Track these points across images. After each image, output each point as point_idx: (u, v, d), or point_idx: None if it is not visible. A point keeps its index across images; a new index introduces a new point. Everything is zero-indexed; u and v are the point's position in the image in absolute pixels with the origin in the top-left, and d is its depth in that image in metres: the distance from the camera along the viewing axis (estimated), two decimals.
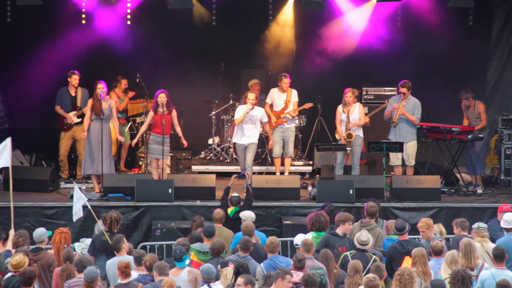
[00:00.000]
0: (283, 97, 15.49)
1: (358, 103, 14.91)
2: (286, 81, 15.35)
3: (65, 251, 9.89)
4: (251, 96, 14.46)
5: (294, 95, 15.47)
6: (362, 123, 14.84)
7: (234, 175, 13.26)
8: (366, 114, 15.22)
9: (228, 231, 11.51)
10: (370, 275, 8.60)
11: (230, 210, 12.34)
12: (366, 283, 8.47)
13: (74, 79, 15.51)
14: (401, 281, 8.62)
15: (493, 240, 10.74)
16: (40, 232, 10.26)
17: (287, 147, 15.55)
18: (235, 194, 12.54)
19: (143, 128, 14.51)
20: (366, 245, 9.93)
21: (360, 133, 14.86)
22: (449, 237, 11.23)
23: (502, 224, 10.78)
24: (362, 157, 15.59)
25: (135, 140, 14.60)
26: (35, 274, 8.80)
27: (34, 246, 10.22)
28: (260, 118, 14.55)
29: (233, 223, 11.91)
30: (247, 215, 11.59)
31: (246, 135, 14.50)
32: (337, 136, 14.96)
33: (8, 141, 11.25)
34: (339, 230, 10.68)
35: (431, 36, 17.16)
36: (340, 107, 14.87)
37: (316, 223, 10.89)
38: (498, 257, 9.41)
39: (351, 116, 14.73)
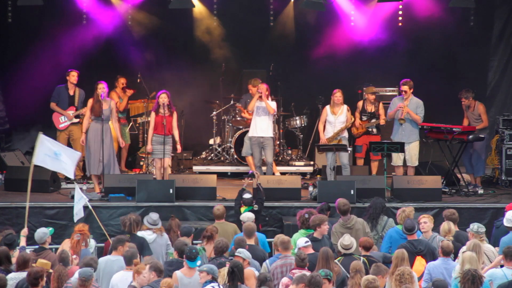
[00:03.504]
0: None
1: (345, 105, 14.92)
2: (249, 87, 15.78)
3: (58, 252, 9.94)
4: (262, 87, 14.78)
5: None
6: (349, 125, 14.91)
7: (246, 177, 13.26)
8: (383, 119, 15.34)
9: (231, 225, 11.60)
10: (370, 276, 8.56)
11: (243, 210, 12.35)
12: (365, 285, 8.45)
13: (73, 75, 15.45)
14: (401, 281, 8.63)
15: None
16: (41, 234, 10.23)
17: None
18: (248, 195, 12.52)
19: (150, 132, 14.38)
20: (350, 249, 9.91)
21: (345, 134, 14.92)
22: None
23: (505, 223, 10.73)
24: (360, 150, 15.54)
25: (149, 146, 14.38)
26: (41, 274, 8.78)
27: (37, 246, 10.23)
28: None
29: None
30: (247, 216, 11.57)
31: (261, 128, 14.69)
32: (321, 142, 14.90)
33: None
34: (317, 234, 10.74)
35: (432, 37, 17.17)
36: (327, 108, 14.89)
37: (306, 222, 10.99)
38: (509, 255, 9.37)
39: (339, 118, 14.79)
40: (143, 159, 16.24)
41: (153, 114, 14.31)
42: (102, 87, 14.31)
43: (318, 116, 16.74)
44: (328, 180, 14.56)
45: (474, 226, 10.40)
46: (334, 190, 13.90)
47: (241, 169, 15.98)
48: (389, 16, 17.05)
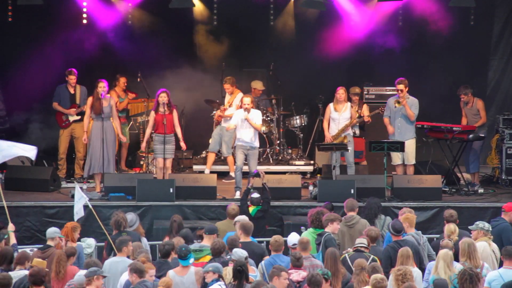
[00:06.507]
0: (228, 98, 15.94)
1: (348, 102, 14.89)
2: (225, 86, 15.90)
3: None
4: (246, 100, 14.31)
5: (237, 98, 15.65)
6: (353, 122, 14.83)
7: (251, 177, 13.21)
8: (368, 115, 15.32)
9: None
10: (378, 276, 8.55)
11: (252, 209, 12.40)
12: (373, 284, 8.44)
13: (71, 78, 15.53)
14: (403, 281, 8.63)
15: (501, 240, 10.74)
16: (54, 229, 10.35)
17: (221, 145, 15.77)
18: (256, 195, 12.51)
19: (148, 131, 14.45)
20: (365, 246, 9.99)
21: (350, 131, 14.86)
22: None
23: None
24: (360, 156, 15.55)
25: (143, 144, 14.66)
26: (45, 273, 8.79)
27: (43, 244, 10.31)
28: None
29: (256, 221, 11.85)
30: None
31: (247, 139, 14.27)
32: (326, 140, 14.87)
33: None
34: (328, 229, 10.78)
35: (432, 36, 17.16)
36: (331, 105, 14.87)
37: (315, 221, 11.00)
38: (508, 256, 9.38)
39: (343, 115, 14.75)
40: (143, 158, 16.24)
41: (152, 113, 14.33)
42: (102, 86, 14.33)
43: (318, 115, 16.76)
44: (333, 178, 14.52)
45: (479, 224, 10.41)
46: (334, 190, 13.91)
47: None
48: (389, 15, 17.04)
